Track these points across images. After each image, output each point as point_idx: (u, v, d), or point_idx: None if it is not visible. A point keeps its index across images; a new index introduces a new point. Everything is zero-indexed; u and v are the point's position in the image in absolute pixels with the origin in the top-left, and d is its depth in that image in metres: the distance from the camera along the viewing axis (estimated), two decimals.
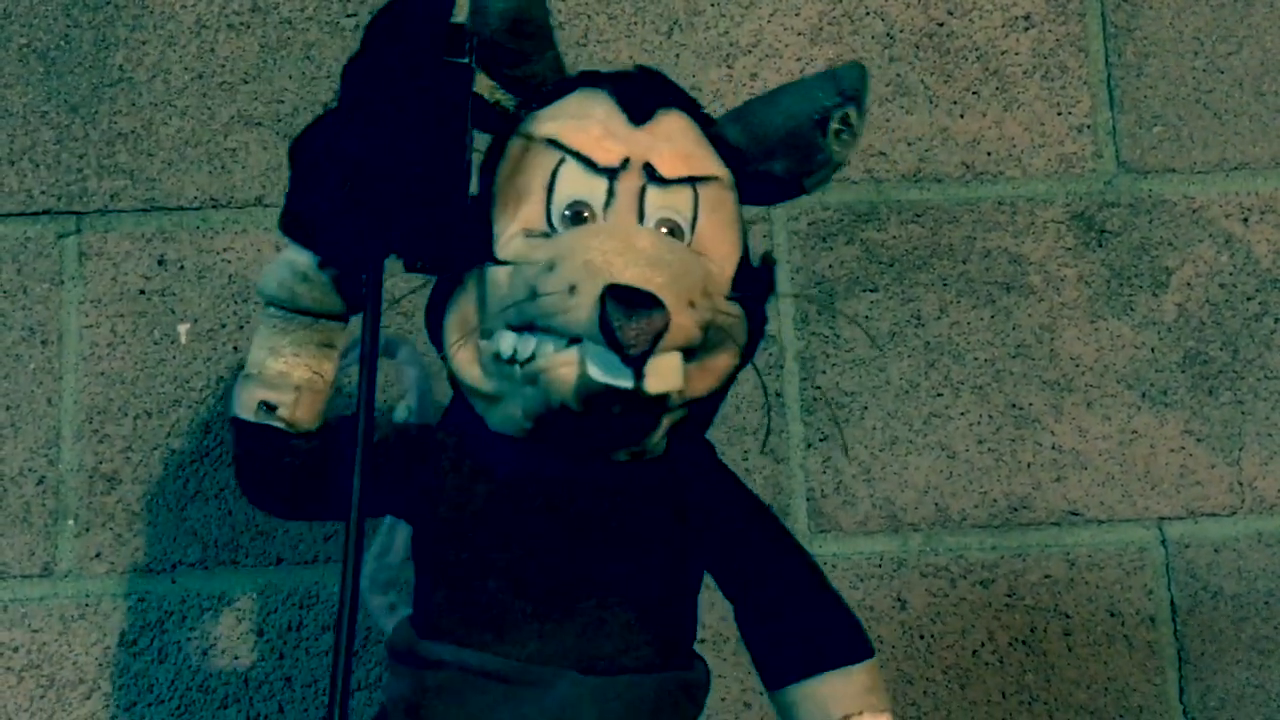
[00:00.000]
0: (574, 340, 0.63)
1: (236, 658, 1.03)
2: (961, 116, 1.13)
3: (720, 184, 0.70)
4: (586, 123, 0.67)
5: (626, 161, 0.66)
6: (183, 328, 1.07)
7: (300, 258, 0.67)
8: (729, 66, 1.13)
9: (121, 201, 1.08)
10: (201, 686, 1.03)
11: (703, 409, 0.72)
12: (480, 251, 0.67)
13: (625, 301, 0.61)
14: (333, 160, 0.64)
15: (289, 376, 0.68)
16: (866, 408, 1.09)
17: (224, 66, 1.11)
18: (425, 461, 0.69)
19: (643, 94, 0.69)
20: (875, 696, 0.69)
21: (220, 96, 1.10)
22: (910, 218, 1.11)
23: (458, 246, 0.66)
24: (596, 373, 0.62)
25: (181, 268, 1.08)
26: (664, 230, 0.67)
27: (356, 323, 0.68)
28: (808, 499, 1.07)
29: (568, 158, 0.66)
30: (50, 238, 1.08)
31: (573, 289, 0.62)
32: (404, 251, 0.68)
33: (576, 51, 1.12)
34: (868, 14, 1.14)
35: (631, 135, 0.67)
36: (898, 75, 1.13)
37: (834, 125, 0.70)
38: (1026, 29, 1.15)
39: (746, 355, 0.72)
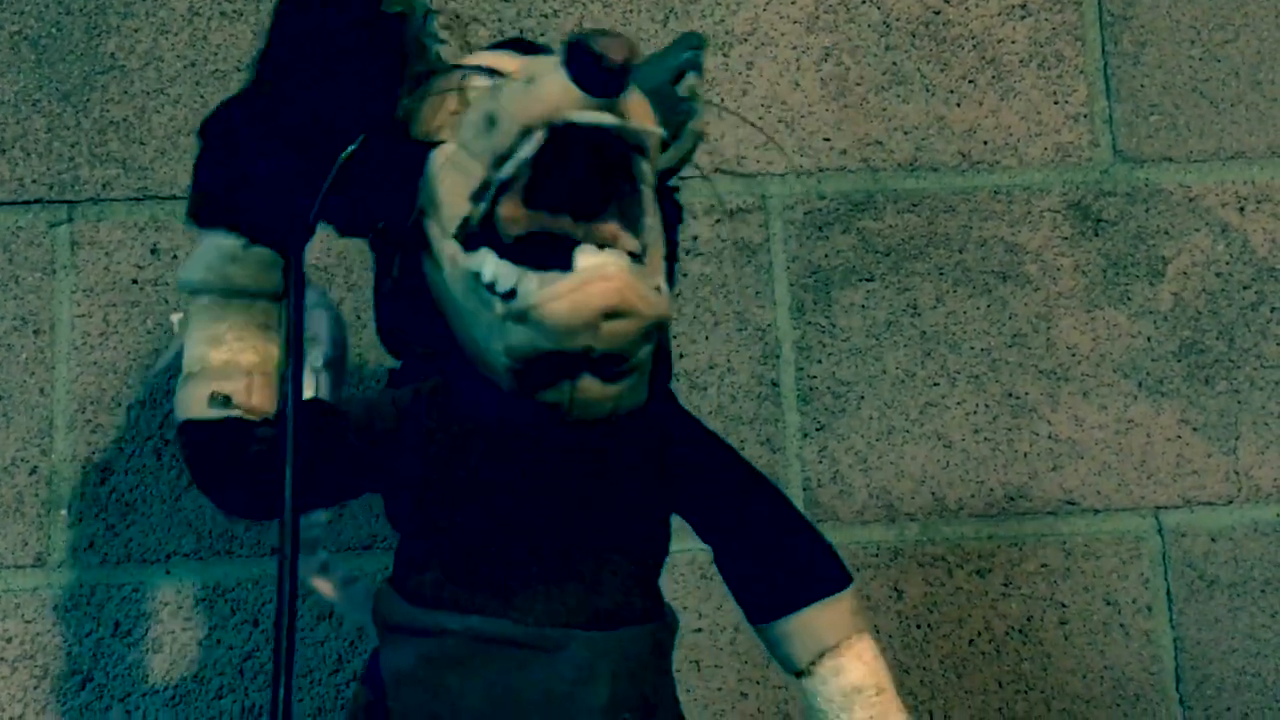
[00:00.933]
0: (555, 261, 0.60)
1: (231, 648, 1.03)
2: (958, 105, 1.13)
3: (646, 104, 0.68)
4: (496, 54, 0.68)
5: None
6: (175, 317, 1.05)
7: (225, 241, 0.64)
8: (725, 55, 1.12)
9: (114, 190, 1.08)
10: (196, 677, 1.02)
11: (661, 359, 0.71)
12: (416, 157, 0.65)
13: (593, 31, 0.59)
14: (259, 121, 0.62)
15: (236, 363, 0.65)
16: (863, 397, 1.08)
17: (216, 54, 1.10)
18: (398, 428, 0.67)
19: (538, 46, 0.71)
20: (860, 619, 0.71)
21: (213, 85, 1.09)
22: (906, 207, 1.11)
23: (395, 171, 0.64)
24: (580, 115, 0.59)
25: (174, 257, 1.07)
26: None
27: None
28: (804, 489, 1.07)
29: (469, 72, 0.66)
30: (42, 227, 1.07)
31: (530, 79, 0.61)
32: (340, 211, 0.66)
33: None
34: (864, 2, 1.14)
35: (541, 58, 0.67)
36: (894, 64, 1.13)
37: (688, 80, 0.71)
38: (1023, 17, 1.14)
39: (669, 280, 0.70)
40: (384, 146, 0.64)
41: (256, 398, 0.65)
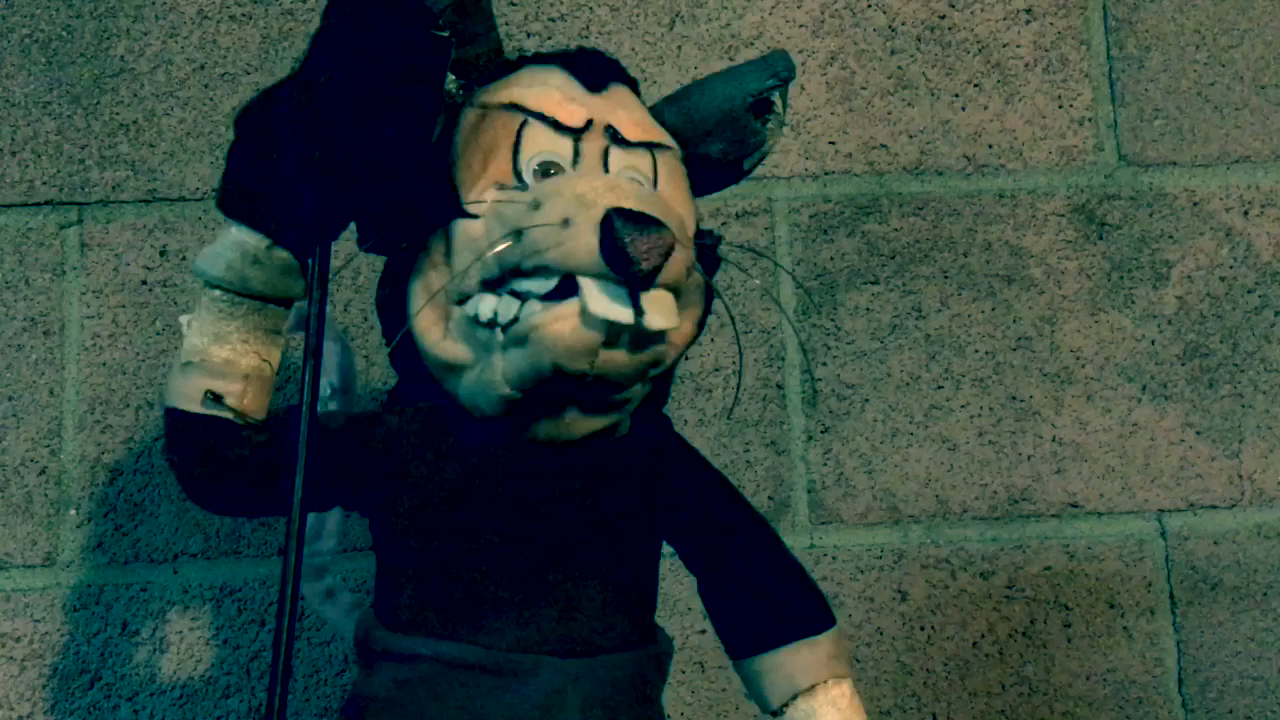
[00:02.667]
0: (560, 291, 0.61)
1: (238, 648, 1.03)
2: (963, 109, 1.13)
3: (674, 154, 0.70)
4: (546, 89, 0.67)
5: (590, 123, 0.66)
6: (184, 319, 1.06)
7: (249, 239, 0.64)
8: (731, 59, 1.13)
9: (123, 192, 1.09)
10: (203, 677, 1.03)
11: (661, 384, 0.71)
12: (447, 209, 0.65)
13: (632, 220, 0.60)
14: (299, 128, 0.61)
15: (236, 365, 0.64)
16: (868, 400, 1.09)
17: (226, 57, 1.11)
18: (384, 449, 0.67)
19: (594, 67, 0.69)
20: (839, 664, 0.70)
21: (222, 88, 1.10)
22: (911, 210, 1.12)
23: (423, 213, 0.64)
24: (598, 306, 0.60)
25: (183, 258, 1.08)
26: None
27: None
28: (809, 491, 1.07)
29: (531, 119, 0.66)
30: (52, 228, 1.08)
31: (566, 221, 0.60)
32: (365, 226, 0.66)
33: (578, 44, 1.12)
34: (869, 6, 1.14)
35: (591, 100, 0.67)
36: (899, 68, 1.13)
37: (776, 106, 0.71)
38: (1028, 22, 1.15)
39: (699, 326, 0.71)
40: (416, 174, 0.64)
41: (249, 402, 0.65)
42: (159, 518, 1.04)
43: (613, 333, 0.61)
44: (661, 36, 1.13)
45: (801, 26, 1.14)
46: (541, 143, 0.65)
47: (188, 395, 0.64)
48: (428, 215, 0.65)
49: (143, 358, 1.06)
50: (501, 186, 0.65)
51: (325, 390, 0.73)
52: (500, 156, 0.65)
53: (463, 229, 0.64)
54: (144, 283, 1.07)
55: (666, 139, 0.70)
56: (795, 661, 0.69)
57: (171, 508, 1.05)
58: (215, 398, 0.64)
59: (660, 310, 0.62)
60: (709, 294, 0.71)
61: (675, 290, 0.64)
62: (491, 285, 0.63)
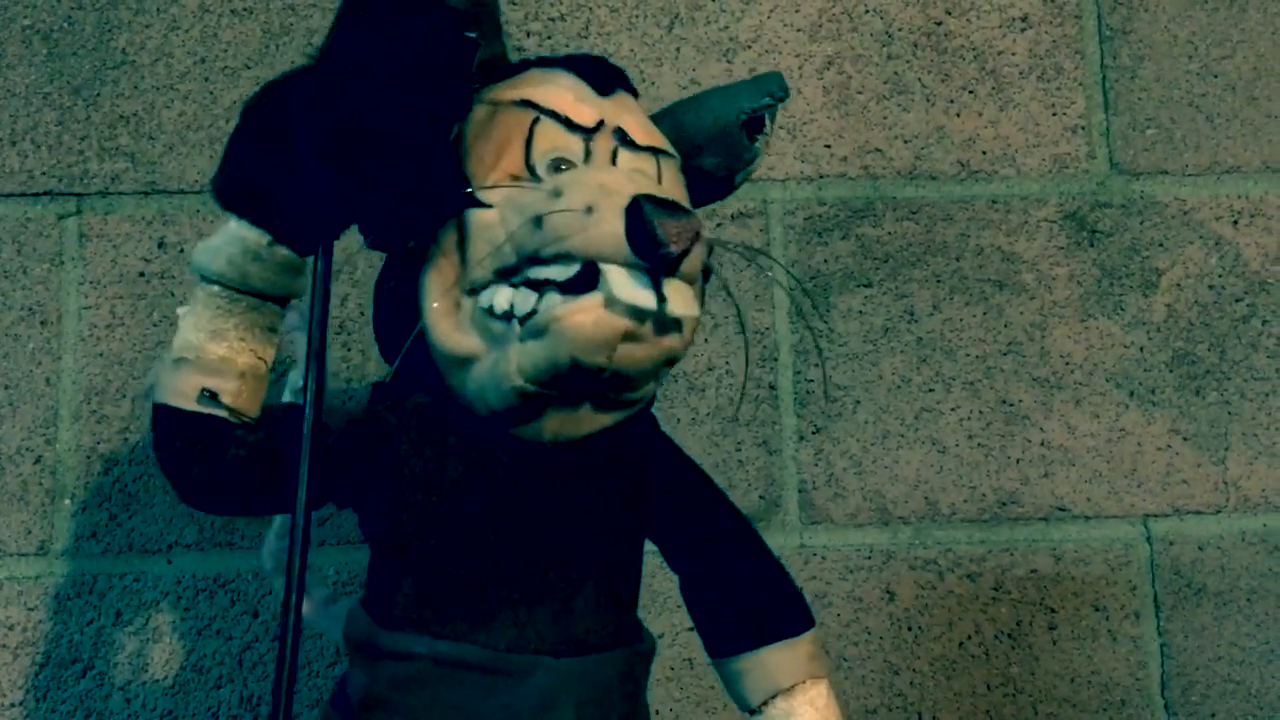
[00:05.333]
0: (580, 279, 0.61)
1: (230, 638, 1.04)
2: (958, 115, 1.14)
3: (675, 161, 0.71)
4: (558, 88, 0.67)
5: (601, 123, 0.67)
6: (182, 311, 1.07)
7: (250, 234, 0.63)
8: (729, 61, 1.14)
9: (122, 184, 1.09)
10: (196, 666, 1.03)
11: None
12: (460, 200, 0.64)
13: (659, 205, 0.60)
14: (319, 119, 0.60)
15: (232, 362, 0.63)
16: (859, 402, 1.10)
17: (226, 51, 1.11)
18: (383, 445, 0.66)
19: (601, 71, 0.70)
20: (817, 664, 0.71)
21: (222, 81, 1.11)
22: (905, 215, 1.13)
23: (436, 205, 0.63)
24: (623, 292, 0.60)
25: (181, 251, 1.08)
26: None
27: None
28: (799, 491, 1.08)
29: (543, 116, 0.66)
30: (51, 219, 1.08)
31: (590, 209, 0.60)
32: (372, 221, 0.65)
33: (577, 44, 1.13)
34: (867, 12, 1.15)
35: (600, 102, 0.68)
36: (895, 73, 1.14)
37: (766, 126, 0.72)
38: (1023, 30, 1.16)
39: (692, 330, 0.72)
40: (433, 169, 0.64)
41: (245, 400, 0.64)
42: (153, 508, 1.05)
43: (636, 318, 0.61)
44: (660, 38, 1.13)
45: (799, 30, 1.15)
46: (554, 139, 0.65)
47: (181, 392, 0.63)
48: (441, 207, 0.64)
49: (140, 349, 1.07)
50: (515, 179, 0.64)
51: (298, 381, 0.72)
52: (513, 151, 0.65)
53: (478, 218, 0.64)
54: (142, 274, 1.08)
55: (669, 146, 0.71)
56: (775, 661, 0.70)
57: (165, 498, 1.05)
58: (211, 395, 0.63)
59: (681, 298, 0.62)
60: (701, 302, 0.71)
61: (691, 283, 0.64)
62: (507, 274, 0.63)
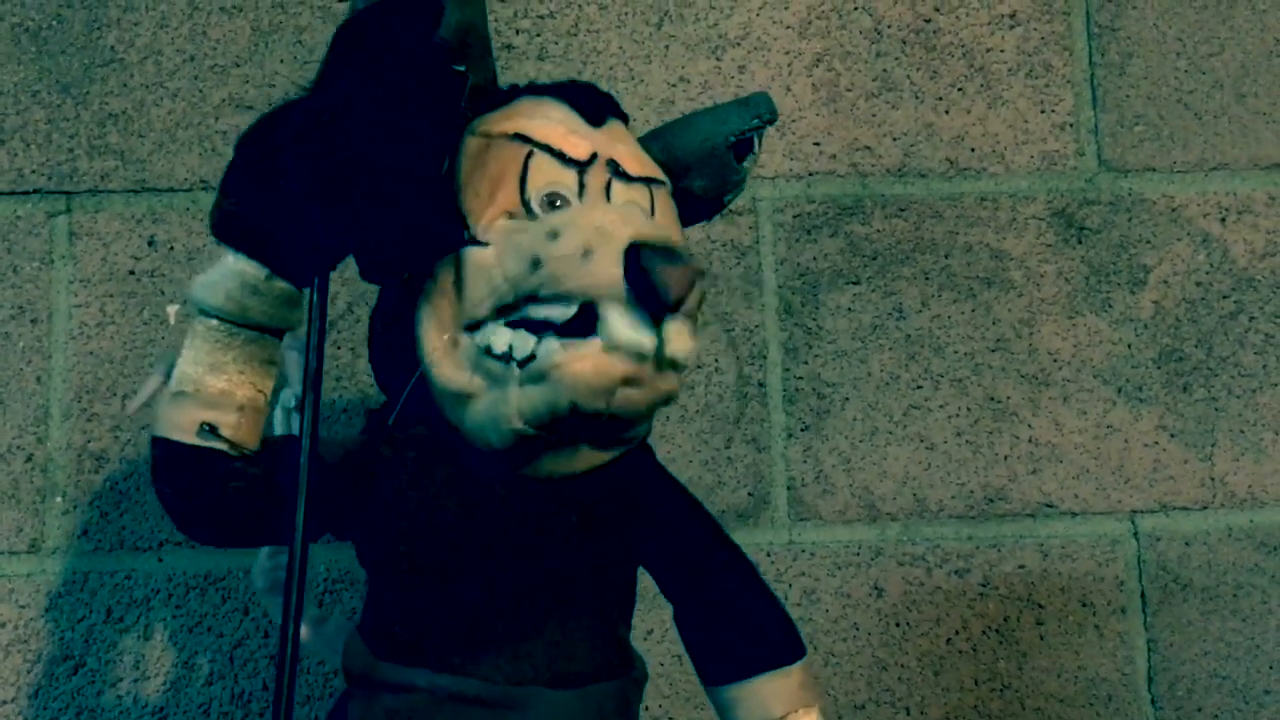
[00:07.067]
0: (578, 320, 0.61)
1: (221, 635, 1.04)
2: (946, 113, 1.14)
3: (667, 189, 0.71)
4: (550, 121, 0.68)
5: (594, 156, 0.67)
6: (172, 309, 1.08)
7: (248, 268, 0.63)
8: (718, 59, 1.14)
9: (112, 182, 1.09)
10: (187, 664, 1.04)
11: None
12: (457, 237, 0.65)
13: (656, 251, 0.61)
14: (309, 156, 0.60)
15: (232, 395, 0.64)
16: (848, 399, 1.10)
17: (216, 49, 1.11)
18: (380, 477, 0.67)
19: (592, 101, 0.70)
20: (809, 693, 0.72)
21: (212, 79, 1.11)
22: (894, 212, 1.13)
23: (432, 241, 0.64)
24: (622, 334, 0.61)
25: (171, 249, 1.08)
26: None
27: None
28: (788, 488, 1.09)
29: (536, 150, 0.66)
30: (40, 217, 1.09)
31: (586, 252, 0.61)
32: (367, 256, 0.65)
33: (566, 41, 1.13)
34: (856, 9, 1.15)
35: (593, 134, 0.68)
36: (884, 71, 1.15)
37: (755, 147, 0.73)
38: (1012, 27, 1.16)
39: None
40: (425, 203, 0.64)
41: (244, 433, 0.64)
42: (144, 506, 1.05)
43: (636, 360, 0.62)
44: (649, 36, 1.13)
45: (788, 28, 1.15)
46: (548, 174, 0.66)
47: (180, 426, 0.64)
48: (437, 243, 0.65)
49: (130, 347, 1.07)
50: (511, 215, 0.65)
51: (289, 401, 0.73)
52: (508, 186, 0.65)
53: (474, 257, 0.64)
54: (132, 272, 1.08)
55: (661, 174, 0.71)
56: (767, 690, 0.71)
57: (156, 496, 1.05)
58: (211, 429, 0.63)
59: (679, 337, 0.63)
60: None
61: (690, 319, 0.65)
62: (505, 311, 0.63)
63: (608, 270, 0.61)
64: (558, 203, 0.65)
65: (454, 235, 0.65)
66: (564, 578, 0.67)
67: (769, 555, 1.08)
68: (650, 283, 0.60)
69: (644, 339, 0.61)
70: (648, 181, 0.69)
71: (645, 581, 0.74)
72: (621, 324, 0.61)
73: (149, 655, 1.04)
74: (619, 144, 0.69)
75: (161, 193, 1.09)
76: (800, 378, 1.10)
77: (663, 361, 0.63)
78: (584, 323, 0.62)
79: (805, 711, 0.71)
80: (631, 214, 0.65)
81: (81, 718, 1.02)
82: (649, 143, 0.73)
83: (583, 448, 0.66)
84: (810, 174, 1.13)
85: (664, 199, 0.70)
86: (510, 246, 0.63)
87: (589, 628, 0.68)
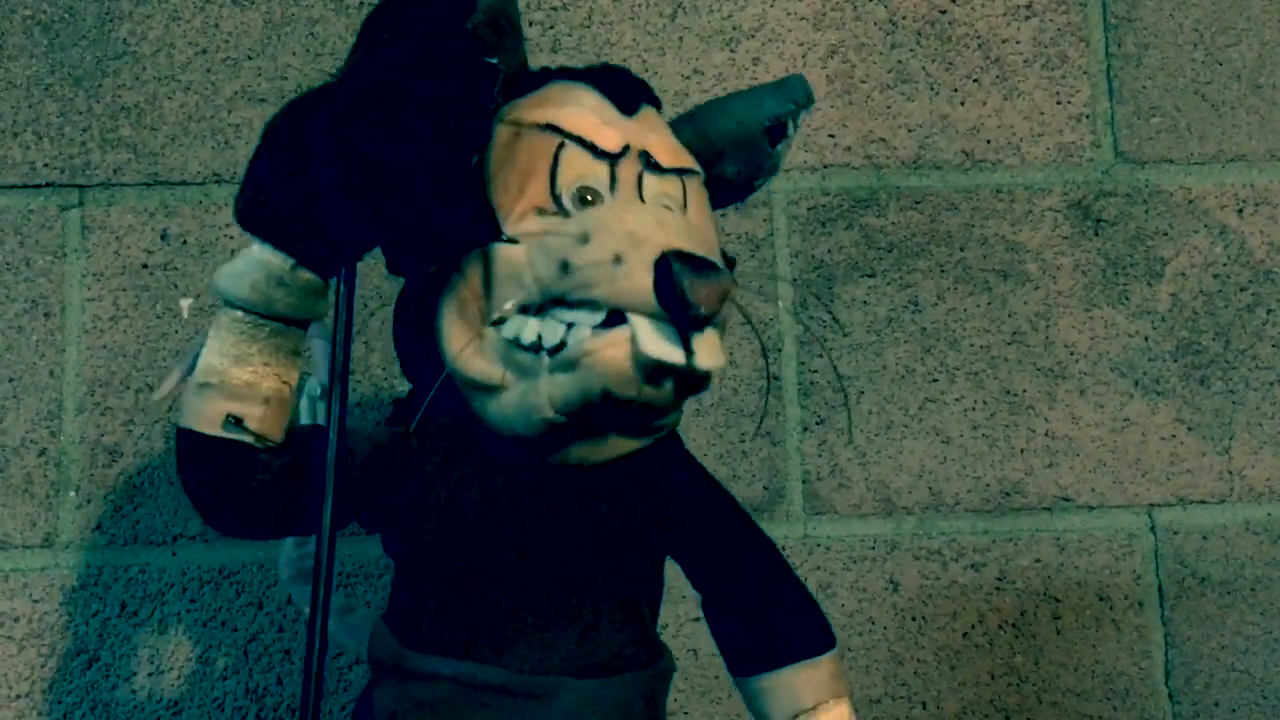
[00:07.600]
0: (611, 319, 0.61)
1: (235, 630, 1.04)
2: (962, 104, 1.14)
3: (699, 178, 0.70)
4: (581, 110, 0.66)
5: (626, 148, 0.66)
6: (185, 302, 1.08)
7: (274, 259, 0.62)
8: (732, 50, 1.13)
9: (125, 175, 1.09)
10: (201, 658, 1.04)
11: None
12: (486, 232, 0.64)
13: (689, 263, 0.60)
14: (339, 145, 0.60)
15: (257, 387, 0.63)
16: (863, 392, 1.10)
17: (228, 42, 1.11)
18: (407, 469, 0.67)
19: (625, 87, 0.69)
20: (839, 683, 0.71)
21: (224, 72, 1.10)
22: (909, 204, 1.12)
23: (461, 235, 0.63)
24: (650, 346, 0.60)
25: (184, 242, 1.08)
26: None
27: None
28: (803, 481, 1.08)
29: (568, 142, 0.65)
30: (53, 210, 1.08)
31: (618, 259, 0.60)
32: (395, 248, 0.65)
33: (580, 33, 1.12)
34: (870, 0, 1.15)
35: (625, 124, 0.67)
36: (899, 62, 1.14)
37: (790, 131, 0.72)
38: (1028, 18, 1.15)
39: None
40: (455, 197, 0.63)
41: (269, 425, 0.63)
42: (158, 500, 1.05)
43: (660, 372, 0.61)
44: (663, 27, 1.13)
45: (802, 19, 1.14)
46: (579, 167, 0.65)
47: (205, 418, 0.63)
48: (466, 237, 0.64)
49: (143, 341, 1.07)
50: (541, 211, 0.64)
51: (315, 389, 0.72)
52: (538, 179, 0.64)
53: (503, 254, 0.63)
54: (145, 266, 1.08)
55: (694, 163, 0.70)
56: (798, 681, 0.70)
57: (170, 490, 1.05)
58: (236, 421, 0.62)
59: (709, 350, 0.62)
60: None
61: (720, 329, 0.64)
62: (529, 310, 0.62)
63: (638, 280, 0.60)
64: (589, 197, 0.64)
65: (483, 230, 0.64)
66: (592, 567, 0.67)
67: (784, 549, 1.07)
68: (681, 297, 0.59)
69: (671, 352, 0.61)
70: (680, 172, 0.68)
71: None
72: (650, 338, 0.60)
73: (163, 650, 1.04)
74: (651, 133, 0.68)
75: (174, 186, 1.09)
76: (815, 371, 1.10)
77: (691, 375, 0.62)
78: (615, 321, 0.61)
79: (836, 702, 0.71)
80: (665, 219, 0.63)
81: (96, 712, 1.02)
82: (681, 127, 0.72)
83: (612, 436, 0.65)
84: (825, 166, 1.12)
85: (696, 189, 0.69)
86: (540, 248, 0.62)
87: (617, 618, 0.67)
